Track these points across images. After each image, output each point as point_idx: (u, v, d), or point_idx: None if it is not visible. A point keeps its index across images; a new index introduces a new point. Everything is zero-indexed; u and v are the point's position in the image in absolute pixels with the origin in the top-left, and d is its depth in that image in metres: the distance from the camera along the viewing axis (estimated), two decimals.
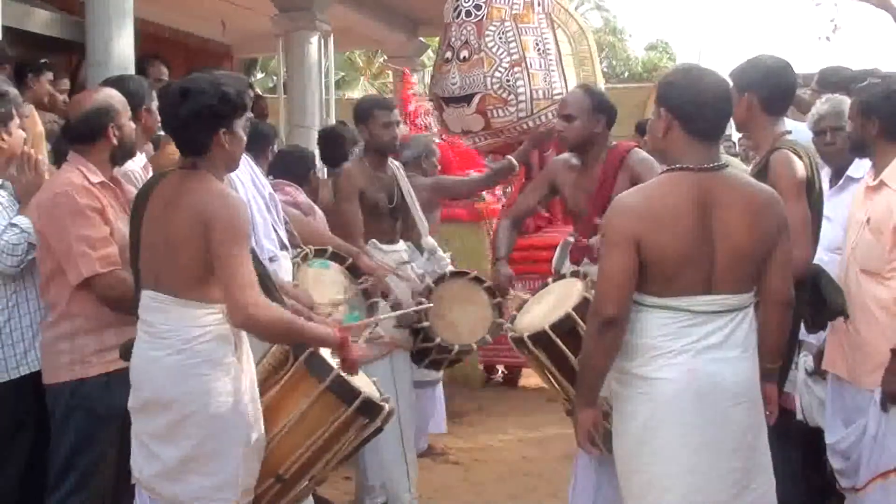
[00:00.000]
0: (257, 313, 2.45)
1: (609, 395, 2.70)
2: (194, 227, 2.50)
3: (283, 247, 3.59)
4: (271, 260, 3.36)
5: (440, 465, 5.07)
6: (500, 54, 7.02)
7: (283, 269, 3.45)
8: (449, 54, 6.87)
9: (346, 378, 2.66)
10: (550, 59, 7.23)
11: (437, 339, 4.10)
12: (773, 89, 3.16)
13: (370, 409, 2.69)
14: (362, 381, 2.80)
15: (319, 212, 4.48)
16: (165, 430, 2.55)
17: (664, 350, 2.51)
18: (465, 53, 6.89)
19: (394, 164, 4.47)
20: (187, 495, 2.55)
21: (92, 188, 2.99)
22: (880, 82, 3.25)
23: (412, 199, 4.43)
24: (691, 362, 2.49)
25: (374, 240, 4.22)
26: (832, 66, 4.86)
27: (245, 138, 2.69)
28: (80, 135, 3.05)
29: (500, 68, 6.95)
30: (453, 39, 6.88)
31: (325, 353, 2.74)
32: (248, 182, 3.34)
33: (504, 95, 6.93)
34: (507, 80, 6.97)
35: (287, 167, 4.56)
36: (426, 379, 4.81)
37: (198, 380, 2.52)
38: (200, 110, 2.53)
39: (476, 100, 6.78)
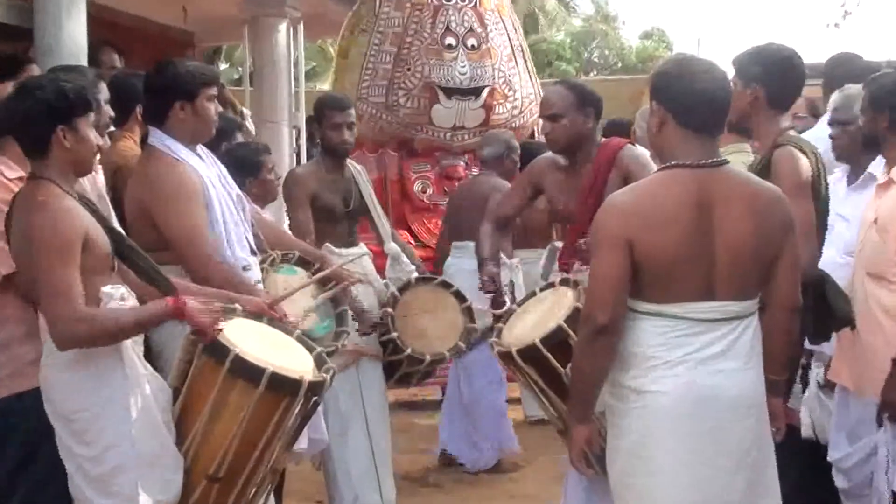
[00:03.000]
0: (67, 329, 2.55)
1: (604, 411, 2.68)
2: (22, 244, 2.64)
3: (251, 251, 3.57)
4: (245, 269, 3.34)
5: (422, 489, 5.05)
6: (499, 46, 7.03)
7: (255, 277, 3.44)
8: (452, 40, 6.74)
9: (247, 356, 2.67)
10: (522, 55, 7.28)
11: (407, 350, 4.09)
12: (781, 83, 3.13)
13: (284, 385, 2.69)
14: (285, 355, 2.81)
15: (269, 217, 4.43)
16: (62, 450, 2.68)
17: (660, 361, 2.49)
18: (472, 42, 6.85)
19: (354, 165, 4.50)
20: None
21: (9, 183, 2.97)
22: (891, 73, 3.25)
23: (373, 203, 4.45)
24: (689, 374, 2.48)
25: (328, 244, 4.21)
26: (840, 54, 4.80)
27: (94, 140, 2.74)
28: None
29: (501, 61, 6.97)
30: (454, 24, 6.77)
31: (237, 331, 2.75)
32: (217, 183, 3.31)
33: (505, 91, 6.96)
34: (507, 75, 7.00)
35: (235, 164, 4.48)
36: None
37: (80, 396, 2.62)
38: (34, 107, 2.63)
39: (485, 93, 6.78)
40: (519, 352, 3.22)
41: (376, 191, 5.28)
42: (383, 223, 4.49)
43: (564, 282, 3.47)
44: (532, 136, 6.84)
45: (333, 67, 7.57)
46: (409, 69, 6.75)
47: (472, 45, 6.81)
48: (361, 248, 4.39)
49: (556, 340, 3.16)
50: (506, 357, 3.29)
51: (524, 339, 3.25)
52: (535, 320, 3.35)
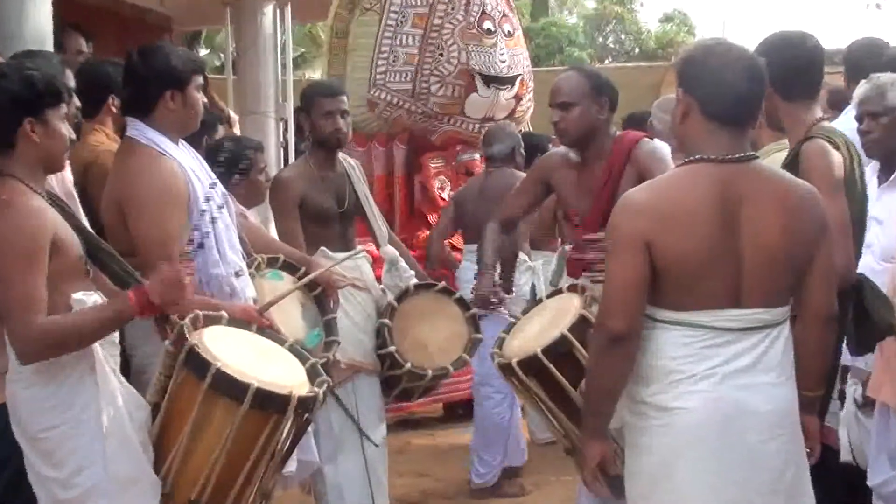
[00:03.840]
0: (27, 341, 2.55)
1: (621, 428, 2.69)
2: None
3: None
4: (237, 274, 3.33)
5: None
6: (518, 35, 7.06)
7: (247, 283, 3.44)
8: (490, 25, 6.70)
9: (230, 370, 2.66)
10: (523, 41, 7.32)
11: (407, 365, 4.10)
12: (787, 71, 3.07)
13: (272, 401, 2.69)
14: (275, 367, 2.80)
15: (254, 219, 4.43)
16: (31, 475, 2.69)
17: (684, 374, 2.50)
18: (508, 27, 6.85)
19: (347, 160, 4.46)
20: None
21: None
22: None
23: (368, 202, 4.44)
24: (716, 389, 2.48)
25: (323, 248, 4.20)
26: (865, 40, 4.69)
27: (66, 134, 2.75)
28: None
29: (525, 48, 7.01)
30: (489, 7, 6.73)
31: (220, 342, 2.75)
32: (203, 179, 3.31)
33: (529, 81, 6.99)
34: (528, 64, 7.05)
35: (223, 160, 4.48)
36: None
37: (48, 413, 2.62)
38: None
39: (517, 83, 6.81)
40: (520, 363, 3.23)
41: (385, 188, 5.31)
42: (379, 224, 4.48)
43: (572, 288, 3.50)
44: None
45: (326, 49, 7.44)
46: (441, 54, 6.65)
47: (508, 32, 6.83)
48: (357, 249, 4.36)
49: (559, 351, 3.18)
50: (506, 369, 3.30)
51: (526, 350, 3.26)
52: (538, 329, 3.37)
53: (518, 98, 6.84)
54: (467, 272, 5.37)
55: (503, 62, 6.68)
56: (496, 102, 6.70)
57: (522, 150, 5.59)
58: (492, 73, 6.64)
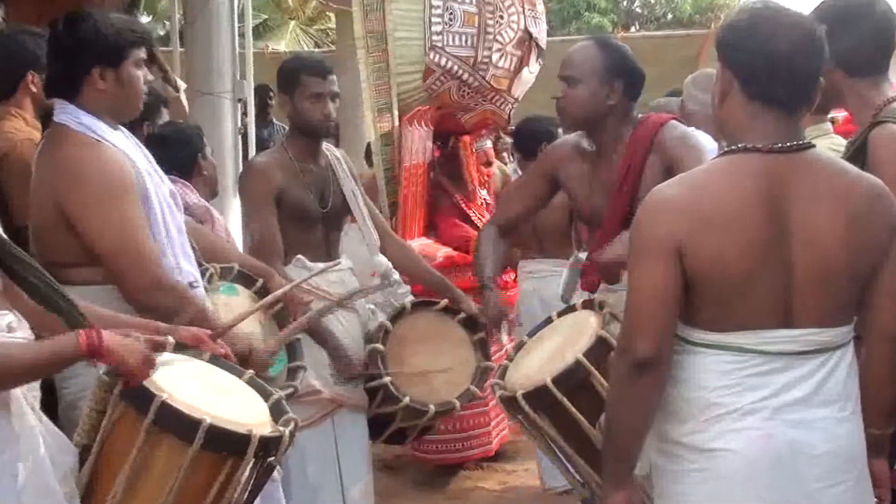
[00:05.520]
0: None
1: (649, 474, 2.70)
2: None
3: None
4: (191, 286, 3.34)
5: None
6: None
7: (205, 299, 3.45)
8: None
9: (177, 403, 2.63)
10: None
11: (405, 399, 4.09)
12: (846, 40, 3.03)
13: (228, 441, 2.68)
14: (231, 402, 2.79)
15: (219, 217, 4.46)
16: None
17: (725, 409, 2.50)
18: None
19: (331, 151, 4.46)
20: None
21: None
22: None
23: (357, 201, 4.42)
24: (766, 426, 2.49)
25: (300, 256, 4.21)
26: None
27: None
28: None
29: None
30: None
31: (166, 371, 2.71)
32: (152, 172, 3.31)
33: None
34: None
35: (165, 153, 4.49)
36: None
37: None
38: None
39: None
40: (527, 396, 3.23)
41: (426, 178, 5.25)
42: (370, 229, 4.47)
43: (587, 304, 3.50)
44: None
45: None
46: (501, 17, 6.40)
47: None
48: (343, 260, 4.40)
49: (574, 380, 3.18)
50: (510, 404, 3.31)
51: (533, 380, 3.26)
52: (548, 354, 3.38)
53: (535, 77, 6.78)
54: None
55: (545, 33, 6.61)
56: (529, 79, 6.61)
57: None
58: (543, 45, 6.53)
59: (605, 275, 3.70)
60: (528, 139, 5.78)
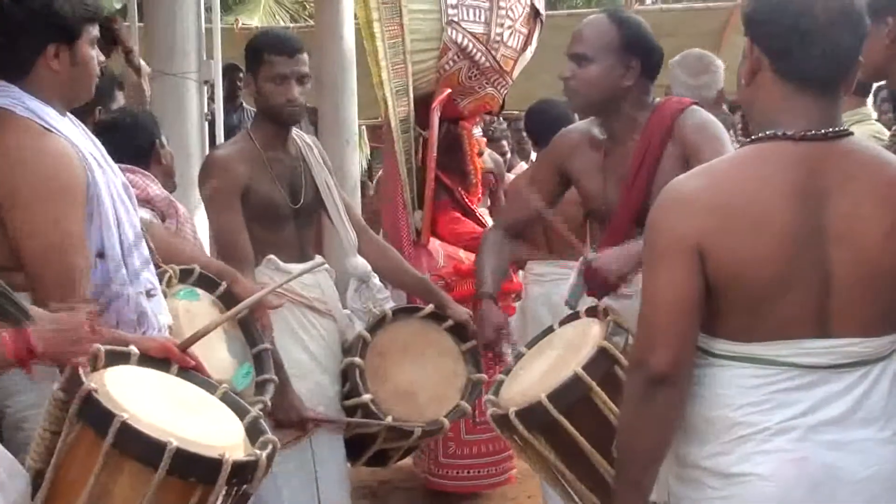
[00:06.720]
0: None
1: (666, 502, 2.72)
2: None
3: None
4: (149, 294, 3.34)
5: None
6: None
7: (162, 306, 3.47)
8: None
9: (140, 424, 2.64)
10: None
11: (388, 419, 4.10)
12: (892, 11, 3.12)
13: (196, 466, 2.67)
14: (201, 422, 2.80)
15: (183, 210, 4.46)
16: None
17: (753, 428, 2.51)
18: None
19: (302, 138, 4.47)
20: None
21: None
22: None
23: (332, 194, 4.45)
24: (798, 447, 2.49)
25: (271, 256, 4.22)
26: None
27: None
28: None
29: None
30: None
31: (128, 387, 2.74)
32: (103, 164, 3.32)
33: None
34: None
35: (119, 141, 4.46)
36: None
37: None
38: None
39: None
40: (520, 414, 3.21)
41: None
42: (346, 226, 4.48)
43: (591, 311, 3.49)
44: None
45: None
46: None
47: None
48: (318, 260, 4.39)
49: (573, 397, 3.18)
50: (502, 423, 3.29)
51: (527, 396, 3.26)
52: (545, 368, 3.39)
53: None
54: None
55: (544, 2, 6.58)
56: (526, 62, 6.60)
57: None
58: (543, 20, 6.53)
59: (595, 286, 3.69)
60: (546, 127, 5.77)
